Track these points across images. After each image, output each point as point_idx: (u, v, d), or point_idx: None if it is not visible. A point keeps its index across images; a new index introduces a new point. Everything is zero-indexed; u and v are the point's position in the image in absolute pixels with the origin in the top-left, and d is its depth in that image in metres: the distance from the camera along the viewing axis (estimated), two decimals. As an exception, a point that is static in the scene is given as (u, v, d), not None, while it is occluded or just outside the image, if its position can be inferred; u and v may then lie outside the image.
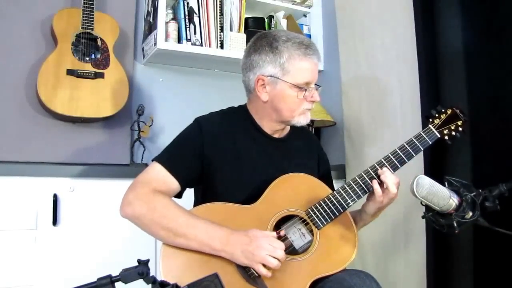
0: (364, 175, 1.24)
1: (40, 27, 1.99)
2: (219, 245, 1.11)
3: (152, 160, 1.24)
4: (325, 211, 1.21)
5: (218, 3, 2.20)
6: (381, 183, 1.20)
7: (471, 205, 1.07)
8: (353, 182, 1.24)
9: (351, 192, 1.22)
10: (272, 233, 1.14)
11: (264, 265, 1.10)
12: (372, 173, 1.23)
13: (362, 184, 1.23)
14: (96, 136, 2.06)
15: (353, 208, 1.28)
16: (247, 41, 1.98)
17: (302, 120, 1.30)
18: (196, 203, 1.33)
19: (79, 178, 1.67)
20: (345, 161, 2.15)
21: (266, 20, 2.44)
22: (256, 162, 1.29)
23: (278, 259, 1.09)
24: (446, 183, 1.11)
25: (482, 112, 1.60)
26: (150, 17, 2.15)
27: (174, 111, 2.25)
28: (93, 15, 1.94)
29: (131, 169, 1.91)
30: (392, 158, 1.25)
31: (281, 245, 1.11)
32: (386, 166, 1.23)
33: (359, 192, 1.23)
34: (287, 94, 1.26)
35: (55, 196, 1.62)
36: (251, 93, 1.32)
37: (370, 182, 1.22)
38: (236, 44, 2.22)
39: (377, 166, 1.24)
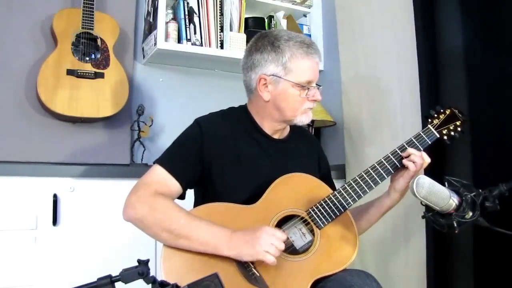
0: (364, 174, 1.24)
1: (40, 27, 1.99)
2: (222, 243, 1.11)
3: (154, 163, 1.24)
4: (325, 210, 1.21)
5: (218, 3, 2.20)
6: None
7: (471, 205, 1.06)
8: (354, 182, 1.24)
9: (351, 192, 1.23)
10: (273, 228, 1.15)
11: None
12: (372, 172, 1.24)
13: (363, 184, 1.23)
14: (96, 136, 2.06)
15: (354, 206, 1.28)
16: (247, 41, 1.98)
17: (304, 119, 1.30)
18: (196, 204, 1.32)
19: (79, 178, 1.67)
20: (345, 161, 2.15)
21: (266, 20, 2.44)
22: (257, 163, 1.29)
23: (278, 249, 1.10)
24: (446, 183, 1.11)
25: (482, 112, 1.60)
26: (150, 17, 2.15)
27: (174, 111, 2.25)
28: (93, 15, 1.94)
29: (131, 169, 1.91)
30: (392, 158, 1.25)
31: (282, 234, 1.12)
32: (386, 166, 1.24)
33: (360, 192, 1.23)
34: (289, 93, 1.26)
35: (55, 196, 1.62)
36: (252, 93, 1.32)
37: (370, 182, 1.23)
38: (236, 44, 2.22)
39: (377, 166, 1.24)
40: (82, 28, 1.93)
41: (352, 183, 1.24)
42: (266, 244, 1.08)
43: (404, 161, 1.23)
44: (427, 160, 1.24)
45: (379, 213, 1.34)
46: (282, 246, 1.11)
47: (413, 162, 1.22)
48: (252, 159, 1.28)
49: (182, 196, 1.25)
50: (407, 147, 1.25)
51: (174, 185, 1.20)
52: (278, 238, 1.11)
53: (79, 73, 1.90)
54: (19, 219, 1.57)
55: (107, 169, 1.78)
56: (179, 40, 2.12)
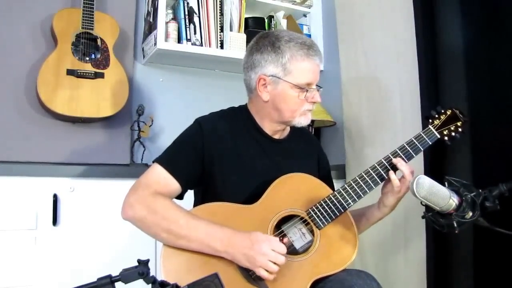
0: (364, 175, 1.24)
1: (40, 27, 1.99)
2: (221, 246, 1.11)
3: (153, 162, 1.24)
4: (325, 211, 1.21)
5: (218, 3, 2.20)
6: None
7: (471, 205, 1.06)
8: (354, 182, 1.24)
9: (351, 192, 1.23)
10: (275, 238, 1.14)
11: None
12: (372, 173, 1.24)
13: (363, 184, 1.23)
14: (96, 136, 2.06)
15: (355, 207, 1.28)
16: (247, 41, 1.98)
17: (303, 121, 1.30)
18: (196, 204, 1.32)
19: (79, 178, 1.67)
20: (345, 161, 2.15)
21: (266, 20, 2.44)
22: (257, 163, 1.29)
23: (278, 265, 1.10)
24: (446, 183, 1.11)
25: (482, 112, 1.60)
26: (150, 17, 2.15)
27: (174, 111, 2.25)
28: (93, 15, 1.94)
29: (131, 169, 1.91)
30: (392, 158, 1.25)
31: (282, 249, 1.11)
32: (387, 166, 1.23)
33: (360, 192, 1.23)
34: (288, 94, 1.25)
35: (55, 196, 1.62)
36: (252, 92, 1.32)
37: (370, 182, 1.23)
38: (236, 44, 2.22)
39: (377, 166, 1.24)
40: (82, 28, 1.93)
41: (352, 183, 1.24)
42: (263, 263, 1.09)
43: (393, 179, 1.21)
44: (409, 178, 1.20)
45: (368, 224, 1.34)
46: (283, 261, 1.10)
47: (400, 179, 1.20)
48: (252, 159, 1.28)
49: (180, 196, 1.25)
50: (408, 148, 1.25)
51: (174, 185, 1.20)
52: (278, 255, 1.10)
53: (79, 73, 1.90)
54: (19, 219, 1.57)
55: (107, 169, 1.78)
56: (179, 40, 2.12)
